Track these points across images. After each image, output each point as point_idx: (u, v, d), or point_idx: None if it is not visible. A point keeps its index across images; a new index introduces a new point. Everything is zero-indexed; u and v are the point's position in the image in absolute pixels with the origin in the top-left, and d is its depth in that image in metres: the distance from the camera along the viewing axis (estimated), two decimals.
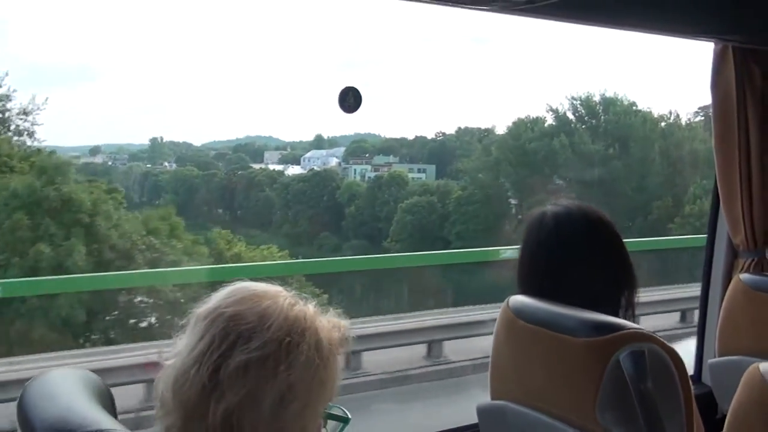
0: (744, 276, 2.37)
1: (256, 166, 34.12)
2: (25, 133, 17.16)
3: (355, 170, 32.37)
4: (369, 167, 32.32)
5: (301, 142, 35.58)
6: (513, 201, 29.15)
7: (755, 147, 2.46)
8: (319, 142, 35.29)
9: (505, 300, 1.77)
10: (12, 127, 17.03)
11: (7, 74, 16.60)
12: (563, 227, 1.73)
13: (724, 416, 1.64)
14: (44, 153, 16.39)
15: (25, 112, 16.73)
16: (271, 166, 34.19)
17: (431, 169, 32.31)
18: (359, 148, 34.05)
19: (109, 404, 1.09)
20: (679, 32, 2.39)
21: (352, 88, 2.14)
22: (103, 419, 0.96)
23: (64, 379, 1.09)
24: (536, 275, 1.76)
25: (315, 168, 32.72)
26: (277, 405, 1.03)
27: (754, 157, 2.47)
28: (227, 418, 1.00)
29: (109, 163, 36.03)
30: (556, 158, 27.82)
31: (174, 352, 1.07)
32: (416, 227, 28.37)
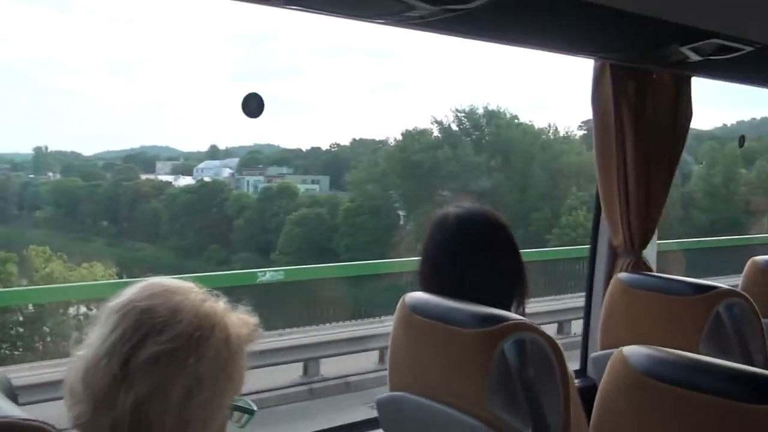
0: (622, 275, 2.56)
1: (145, 177, 32.91)
2: None
3: (248, 181, 31.87)
4: (262, 178, 31.94)
5: (197, 152, 34.70)
6: (401, 212, 29.56)
7: (631, 156, 2.66)
8: (214, 153, 34.45)
9: (401, 297, 1.84)
10: None
11: None
12: (465, 227, 1.82)
13: None
14: None
15: None
16: (161, 177, 33.03)
17: (325, 180, 32.25)
18: (253, 159, 33.48)
19: (12, 396, 1.09)
20: (562, 49, 2.56)
21: (255, 93, 2.18)
22: (12, 409, 0.97)
23: None
24: (438, 273, 1.84)
25: (205, 179, 31.94)
26: (185, 396, 1.06)
27: (630, 166, 2.67)
28: (135, 408, 1.03)
29: None
30: (441, 170, 28.46)
31: (85, 343, 1.09)
32: (305, 239, 28.20)
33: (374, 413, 1.96)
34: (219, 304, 1.15)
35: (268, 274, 8.98)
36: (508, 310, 1.80)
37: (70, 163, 35.08)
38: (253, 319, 1.19)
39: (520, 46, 2.41)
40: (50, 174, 34.46)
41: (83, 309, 9.07)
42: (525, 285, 1.89)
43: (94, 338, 1.08)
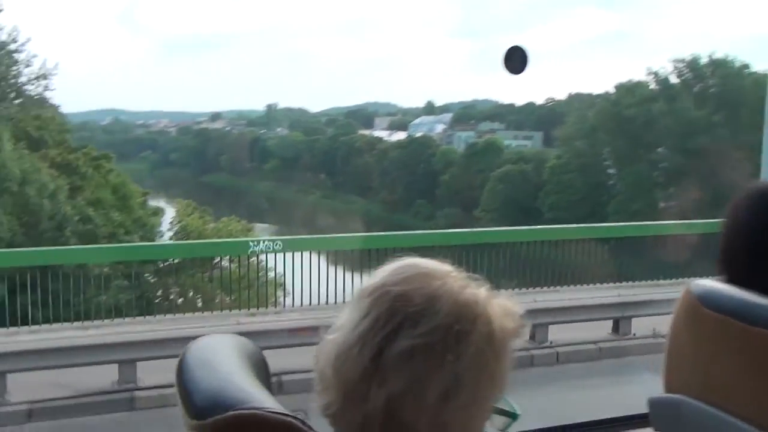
0: None
1: (364, 132, 34.44)
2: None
3: (459, 137, 32.19)
4: (473, 134, 32.10)
5: (415, 108, 35.86)
6: (611, 171, 28.18)
7: None
8: (430, 108, 35.30)
9: (686, 285, 1.64)
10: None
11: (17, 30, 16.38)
12: None
13: None
14: None
15: (37, 78, 16.93)
16: (376, 133, 34.46)
17: (538, 136, 31.58)
18: (466, 114, 33.72)
19: (263, 375, 1.06)
20: None
21: (518, 46, 2.05)
22: (261, 396, 0.94)
23: (222, 346, 1.08)
24: (757, 258, 1.60)
25: (416, 134, 32.63)
26: (442, 397, 0.97)
27: None
28: (388, 405, 0.96)
29: (227, 128, 37.56)
30: (655, 125, 26.64)
31: (336, 326, 1.03)
32: (509, 197, 27.85)
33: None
34: (480, 292, 1.02)
35: (262, 244, 8.34)
36: None
37: (297, 119, 37.84)
38: (518, 308, 1.05)
39: None
40: (279, 129, 37.41)
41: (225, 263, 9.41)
42: None
43: (345, 321, 1.02)
